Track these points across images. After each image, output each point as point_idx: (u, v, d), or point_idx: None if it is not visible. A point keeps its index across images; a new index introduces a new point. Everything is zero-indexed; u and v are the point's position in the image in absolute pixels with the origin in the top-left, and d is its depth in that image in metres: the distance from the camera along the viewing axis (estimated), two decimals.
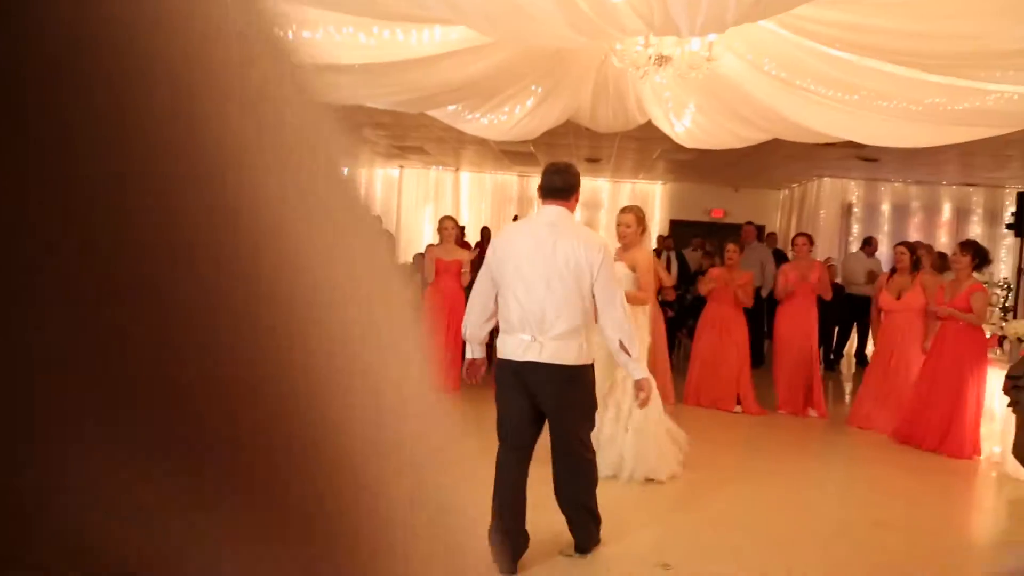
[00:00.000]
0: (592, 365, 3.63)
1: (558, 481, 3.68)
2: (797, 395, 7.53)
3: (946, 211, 14.27)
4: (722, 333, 7.53)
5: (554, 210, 3.58)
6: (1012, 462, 5.26)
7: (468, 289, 7.95)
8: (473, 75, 5.82)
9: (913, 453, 6.27)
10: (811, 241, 7.91)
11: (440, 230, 7.71)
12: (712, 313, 7.69)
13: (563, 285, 3.42)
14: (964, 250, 6.52)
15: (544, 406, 3.58)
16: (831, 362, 10.76)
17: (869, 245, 11.31)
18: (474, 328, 3.68)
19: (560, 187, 3.59)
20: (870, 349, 11.12)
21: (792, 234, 15.03)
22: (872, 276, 10.11)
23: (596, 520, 3.81)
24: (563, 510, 3.75)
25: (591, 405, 3.68)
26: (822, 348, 9.63)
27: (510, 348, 3.53)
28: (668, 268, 9.46)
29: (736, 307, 7.58)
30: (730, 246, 7.78)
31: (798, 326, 7.53)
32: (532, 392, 3.54)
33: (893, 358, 7.05)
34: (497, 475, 3.60)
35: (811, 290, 7.54)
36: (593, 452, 3.74)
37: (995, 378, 6.18)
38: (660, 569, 3.74)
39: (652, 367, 7.68)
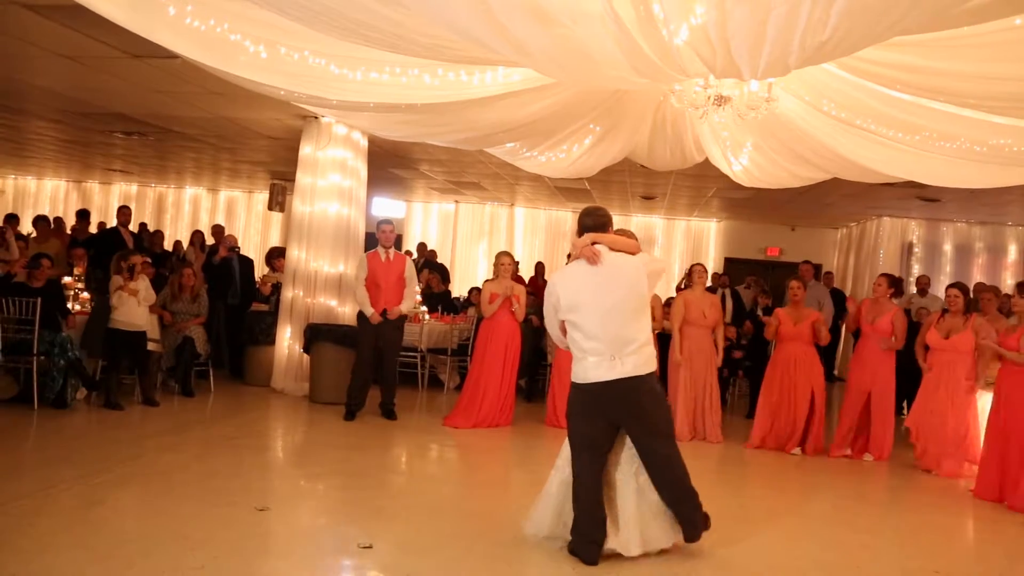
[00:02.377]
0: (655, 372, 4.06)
1: (655, 481, 4.01)
2: (855, 438, 7.38)
3: (1012, 252, 13.92)
4: (796, 373, 7.31)
5: None
6: None
7: (523, 324, 8.05)
8: (533, 114, 5.93)
9: (975, 500, 6.09)
10: (890, 283, 7.51)
11: (497, 266, 7.79)
12: (782, 355, 7.48)
13: (625, 306, 3.92)
14: (1022, 292, 6.37)
15: (625, 416, 3.97)
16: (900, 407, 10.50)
17: (918, 284, 11.17)
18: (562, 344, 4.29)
19: (591, 226, 4.10)
20: None
21: (850, 273, 14.86)
22: (921, 314, 9.91)
23: (697, 507, 4.07)
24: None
25: (664, 400, 4.13)
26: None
27: (591, 372, 3.93)
28: (723, 306, 9.38)
29: (807, 344, 7.41)
30: (794, 283, 7.64)
31: (863, 370, 7.33)
32: (611, 406, 3.94)
33: (938, 395, 6.90)
34: (577, 483, 4.02)
35: (879, 334, 7.32)
36: (675, 444, 4.09)
37: None
38: None
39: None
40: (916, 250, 14.15)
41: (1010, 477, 5.99)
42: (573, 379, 4.05)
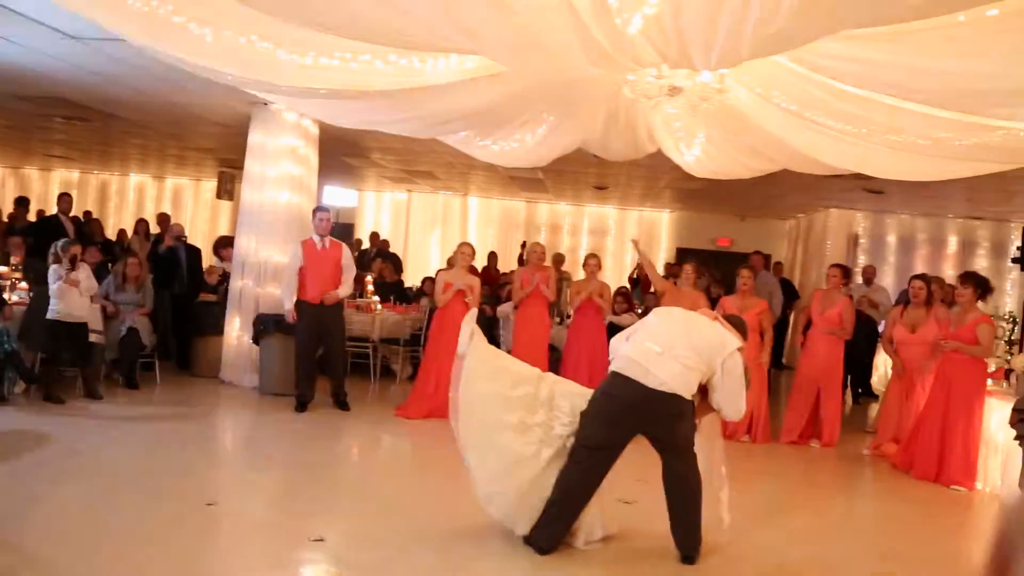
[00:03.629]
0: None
1: (667, 490, 4.14)
2: (803, 426, 7.49)
3: (952, 244, 14.30)
4: None
5: None
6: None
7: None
8: (486, 102, 5.87)
9: (919, 485, 6.26)
10: (844, 273, 7.61)
11: (458, 254, 7.74)
12: None
13: (690, 355, 4.04)
14: (965, 282, 6.52)
15: (651, 427, 4.12)
16: (856, 395, 10.75)
17: (864, 274, 11.52)
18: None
19: (736, 323, 4.40)
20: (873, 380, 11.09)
21: (799, 264, 15.12)
22: (867, 303, 10.15)
23: (699, 527, 4.15)
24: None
25: (692, 421, 4.21)
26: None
27: (629, 350, 4.12)
28: None
29: (751, 332, 7.49)
30: (744, 272, 7.68)
31: (812, 358, 7.45)
32: (641, 416, 4.08)
33: (914, 391, 7.05)
34: (568, 482, 4.05)
35: (829, 324, 7.42)
36: (693, 460, 4.15)
37: (1001, 411, 6.17)
38: None
39: None
40: (862, 241, 14.45)
41: (935, 453, 6.24)
42: (612, 363, 4.12)
